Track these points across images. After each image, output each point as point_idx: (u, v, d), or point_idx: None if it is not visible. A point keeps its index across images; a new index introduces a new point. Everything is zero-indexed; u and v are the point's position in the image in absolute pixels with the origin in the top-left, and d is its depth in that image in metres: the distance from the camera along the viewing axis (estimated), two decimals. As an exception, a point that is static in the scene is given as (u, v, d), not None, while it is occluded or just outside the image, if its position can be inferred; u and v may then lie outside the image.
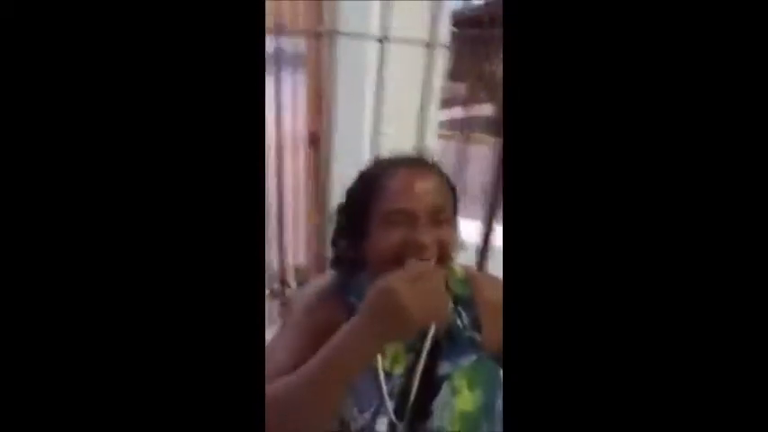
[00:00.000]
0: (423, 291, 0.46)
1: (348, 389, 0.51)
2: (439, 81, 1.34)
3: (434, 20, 1.18)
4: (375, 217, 0.58)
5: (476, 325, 0.63)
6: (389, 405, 0.58)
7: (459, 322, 0.62)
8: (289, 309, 0.68)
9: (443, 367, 0.60)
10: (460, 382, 0.60)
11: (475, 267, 1.16)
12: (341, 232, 0.65)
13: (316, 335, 0.57)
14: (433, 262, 0.55)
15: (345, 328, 0.48)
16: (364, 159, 1.28)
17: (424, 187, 0.57)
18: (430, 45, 1.17)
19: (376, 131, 1.24)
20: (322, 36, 1.33)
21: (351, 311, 0.60)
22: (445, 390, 0.59)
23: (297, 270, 1.50)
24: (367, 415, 0.58)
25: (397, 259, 0.54)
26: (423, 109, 1.21)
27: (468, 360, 0.61)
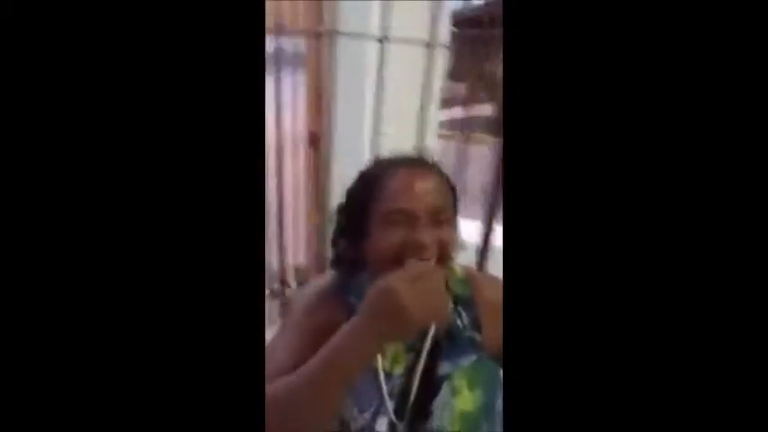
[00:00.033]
0: (422, 291, 0.46)
1: (348, 389, 0.51)
2: (439, 81, 1.34)
3: (434, 20, 1.18)
4: (375, 217, 0.58)
5: (476, 325, 0.63)
6: (389, 405, 0.58)
7: (459, 322, 0.62)
8: (289, 309, 0.68)
9: (443, 367, 0.60)
10: (460, 382, 0.60)
11: (475, 267, 1.16)
12: (341, 232, 0.65)
13: (316, 335, 0.56)
14: (433, 262, 0.55)
15: (345, 328, 0.48)
16: (364, 159, 1.28)
17: (425, 187, 0.57)
18: (430, 45, 1.17)
19: (376, 131, 1.24)
20: (322, 36, 1.33)
21: (351, 311, 0.60)
22: (445, 390, 0.59)
23: (297, 270, 1.50)
24: (367, 415, 0.58)
25: (397, 259, 0.54)
26: (422, 109, 1.21)
27: (468, 360, 0.61)
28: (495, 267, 1.22)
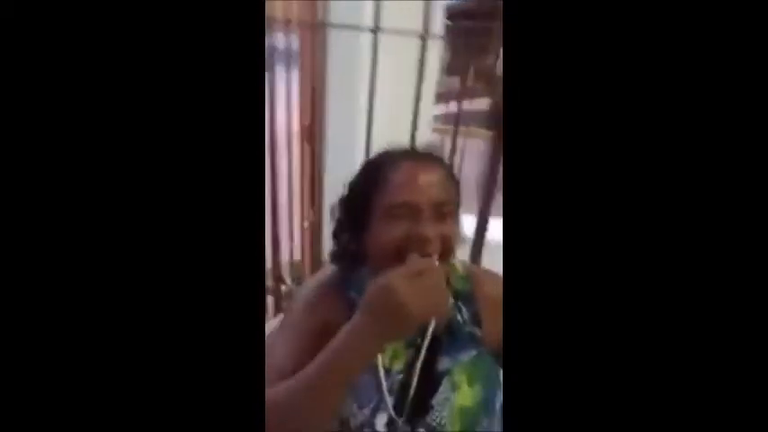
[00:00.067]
0: (422, 287, 0.46)
1: (349, 389, 0.51)
2: (433, 74, 1.33)
3: (428, 11, 1.17)
4: (377, 210, 0.57)
5: (476, 320, 0.62)
6: (389, 401, 0.58)
7: (459, 318, 0.62)
8: (288, 306, 0.67)
9: (443, 363, 0.60)
10: (460, 377, 0.60)
11: (469, 261, 1.16)
12: (342, 225, 0.64)
13: (316, 334, 0.56)
14: (435, 257, 0.54)
15: (345, 328, 0.48)
16: (357, 154, 1.28)
17: (428, 180, 0.56)
18: (424, 36, 1.16)
19: (369, 125, 1.23)
20: (314, 28, 1.31)
21: (352, 307, 0.60)
22: (445, 385, 0.59)
23: (291, 266, 1.49)
24: (366, 411, 0.58)
25: (398, 253, 0.54)
26: (417, 101, 1.20)
27: (468, 355, 0.61)
28: (489, 261, 1.23)
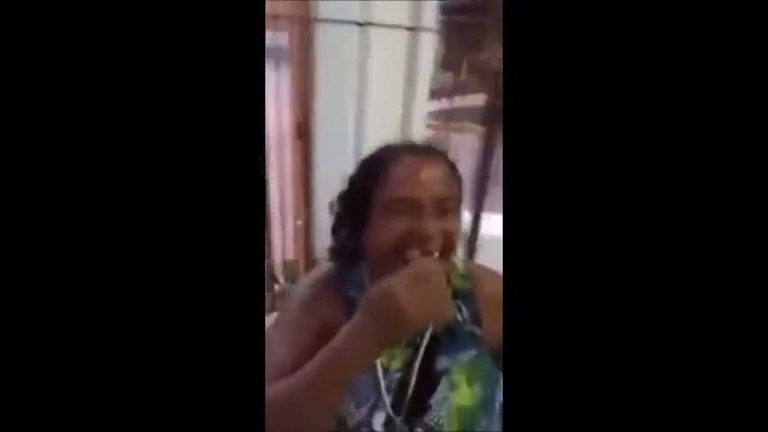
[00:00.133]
0: (422, 292, 0.45)
1: (347, 388, 0.50)
2: (426, 68, 1.32)
3: (419, 5, 1.16)
4: (377, 205, 0.56)
5: (476, 319, 0.62)
6: (387, 400, 0.57)
7: (458, 317, 0.61)
8: (285, 304, 0.66)
9: (442, 362, 0.59)
10: (459, 377, 0.60)
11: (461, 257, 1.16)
12: (341, 221, 0.63)
13: (314, 331, 0.56)
14: (436, 254, 0.53)
15: (345, 329, 0.47)
16: (350, 151, 1.27)
17: (430, 175, 0.55)
18: (415, 30, 1.15)
19: (361, 121, 1.22)
20: (304, 23, 1.30)
21: (350, 304, 0.60)
22: (443, 385, 0.59)
23: (285, 265, 1.48)
24: (364, 410, 0.58)
25: (398, 250, 0.53)
26: (410, 96, 1.19)
27: (467, 355, 0.60)
28: (482, 257, 1.23)
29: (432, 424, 0.58)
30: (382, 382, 0.58)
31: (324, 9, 1.28)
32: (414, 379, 0.58)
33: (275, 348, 0.56)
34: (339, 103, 1.34)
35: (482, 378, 0.60)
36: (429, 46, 1.31)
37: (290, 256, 1.53)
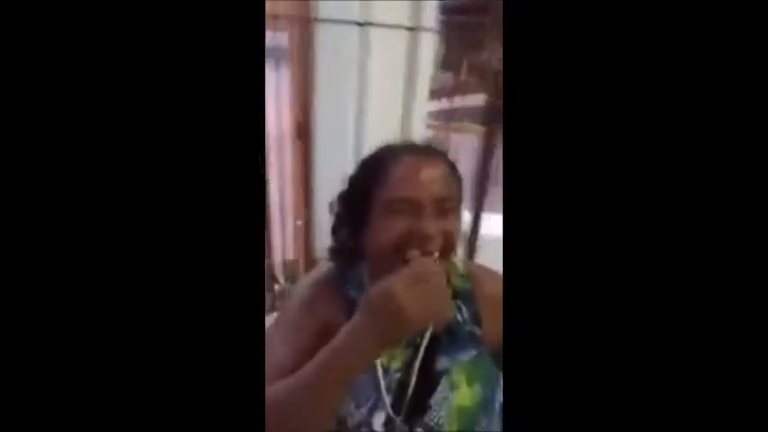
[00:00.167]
0: (422, 292, 0.45)
1: (347, 389, 0.50)
2: (426, 68, 1.32)
3: (419, 5, 1.16)
4: (377, 205, 0.55)
5: (476, 320, 0.62)
6: (387, 400, 0.57)
7: (458, 317, 0.61)
8: (285, 303, 0.66)
9: (442, 362, 0.59)
10: (459, 377, 0.59)
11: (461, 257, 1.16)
12: (342, 221, 0.63)
13: (314, 331, 0.56)
14: (436, 254, 0.53)
15: (345, 329, 0.47)
16: (350, 151, 1.27)
17: (430, 175, 0.55)
18: (415, 30, 1.15)
19: (361, 121, 1.22)
20: (305, 23, 1.30)
21: (349, 304, 0.60)
22: (444, 385, 0.59)
23: (285, 265, 1.48)
24: (364, 410, 0.58)
25: (398, 250, 0.53)
26: (410, 96, 1.19)
27: (467, 355, 0.60)
28: (483, 256, 1.23)
29: (432, 424, 0.58)
30: (382, 382, 0.57)
31: (324, 9, 1.28)
32: (414, 379, 0.58)
33: (275, 348, 0.56)
34: (339, 103, 1.34)
35: (482, 378, 0.60)
36: (429, 46, 1.31)
37: (290, 256, 1.53)
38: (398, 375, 0.59)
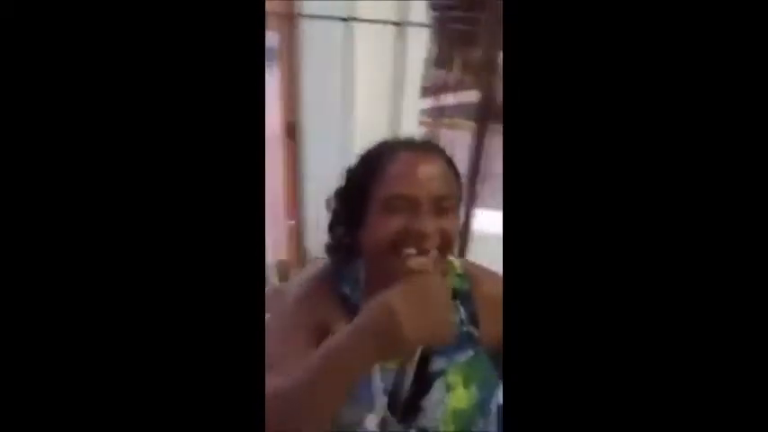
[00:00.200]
0: (423, 310, 0.44)
1: (348, 391, 0.49)
2: (417, 64, 1.32)
3: (409, 2, 1.15)
4: (374, 202, 0.54)
5: (473, 320, 0.61)
6: (383, 401, 0.57)
7: (456, 317, 0.61)
8: (278, 302, 0.65)
9: (438, 363, 0.59)
10: (456, 378, 0.59)
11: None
12: (338, 218, 0.62)
13: (309, 329, 0.55)
14: (434, 253, 0.53)
15: (342, 336, 0.46)
16: (341, 150, 1.26)
17: (428, 172, 0.54)
18: (404, 25, 1.14)
19: (350, 118, 1.21)
20: (292, 20, 1.28)
21: (344, 302, 0.60)
22: (440, 386, 0.59)
23: (278, 264, 1.47)
24: (359, 410, 0.57)
25: (395, 248, 0.52)
26: (399, 93, 1.18)
27: (464, 356, 0.60)
28: (475, 253, 1.23)
29: (427, 426, 0.58)
30: (378, 383, 0.57)
31: (309, 7, 1.27)
32: (410, 380, 0.58)
33: (270, 345, 0.55)
34: (329, 100, 1.33)
35: (479, 380, 0.60)
36: (419, 42, 1.31)
37: (283, 256, 1.52)
38: (394, 376, 0.58)
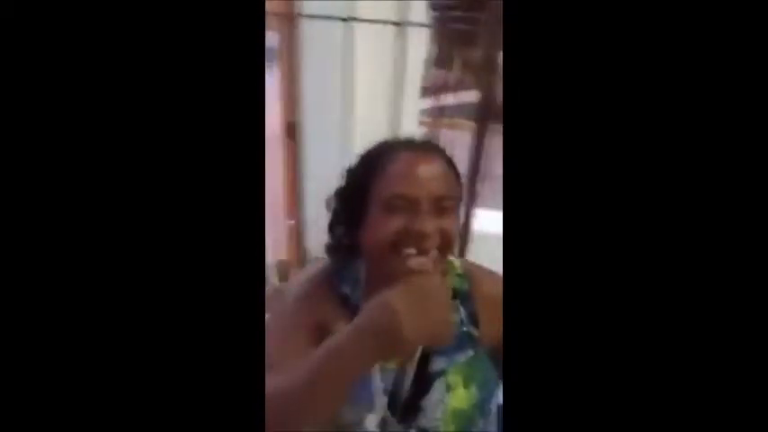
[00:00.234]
0: (424, 312, 0.44)
1: (348, 392, 0.49)
2: (418, 64, 1.32)
3: (409, 2, 1.15)
4: (374, 202, 0.54)
5: (473, 320, 0.61)
6: (382, 400, 0.57)
7: (456, 317, 0.61)
8: (278, 300, 0.65)
9: (438, 363, 0.59)
10: (456, 378, 0.59)
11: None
12: (338, 217, 0.62)
13: (309, 329, 0.55)
14: (434, 253, 0.53)
15: (342, 337, 0.46)
16: (339, 149, 1.26)
17: (428, 172, 0.54)
18: (404, 25, 1.14)
19: (350, 118, 1.21)
20: (292, 20, 1.28)
21: (344, 302, 0.59)
22: (440, 386, 0.59)
23: (278, 264, 1.47)
24: (358, 410, 0.57)
25: (395, 248, 0.52)
26: (399, 93, 1.19)
27: (464, 356, 0.60)
28: (474, 253, 1.23)
29: (427, 425, 0.58)
30: (378, 383, 0.57)
31: (309, 7, 1.27)
32: (410, 380, 0.58)
33: (269, 345, 0.55)
34: (329, 100, 1.33)
35: (479, 380, 0.60)
36: (419, 42, 1.31)
37: (283, 256, 1.52)
38: (394, 376, 0.58)
